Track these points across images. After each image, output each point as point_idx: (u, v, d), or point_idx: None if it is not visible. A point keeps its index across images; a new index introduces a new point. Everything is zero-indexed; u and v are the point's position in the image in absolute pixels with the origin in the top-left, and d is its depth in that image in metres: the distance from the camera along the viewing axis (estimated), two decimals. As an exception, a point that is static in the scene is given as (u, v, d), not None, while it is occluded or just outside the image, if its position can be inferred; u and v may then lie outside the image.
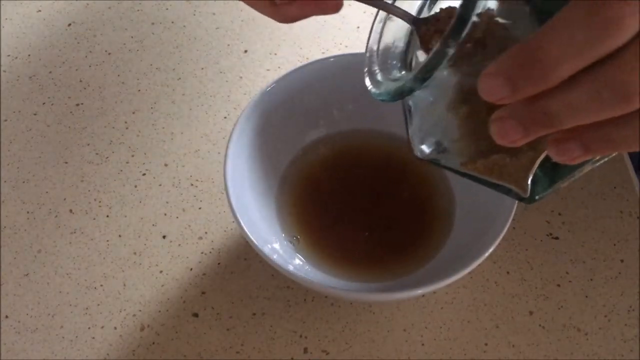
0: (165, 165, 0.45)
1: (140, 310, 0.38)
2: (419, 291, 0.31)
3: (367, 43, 0.30)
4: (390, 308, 0.38)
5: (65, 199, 0.43)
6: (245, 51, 0.51)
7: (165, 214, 0.42)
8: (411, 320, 0.37)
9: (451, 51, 0.23)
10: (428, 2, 0.29)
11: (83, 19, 0.54)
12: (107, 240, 0.41)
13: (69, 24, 0.54)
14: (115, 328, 0.37)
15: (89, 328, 0.37)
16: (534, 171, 0.26)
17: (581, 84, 0.20)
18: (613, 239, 0.40)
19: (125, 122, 0.47)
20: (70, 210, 0.42)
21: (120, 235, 0.41)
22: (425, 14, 0.29)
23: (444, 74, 0.25)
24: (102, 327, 0.37)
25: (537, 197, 0.27)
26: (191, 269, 0.40)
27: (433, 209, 0.39)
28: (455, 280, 0.31)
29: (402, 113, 0.29)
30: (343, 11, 0.58)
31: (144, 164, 0.45)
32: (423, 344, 0.36)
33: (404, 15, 0.28)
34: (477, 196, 0.37)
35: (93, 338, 0.37)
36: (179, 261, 0.40)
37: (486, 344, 0.37)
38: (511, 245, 0.40)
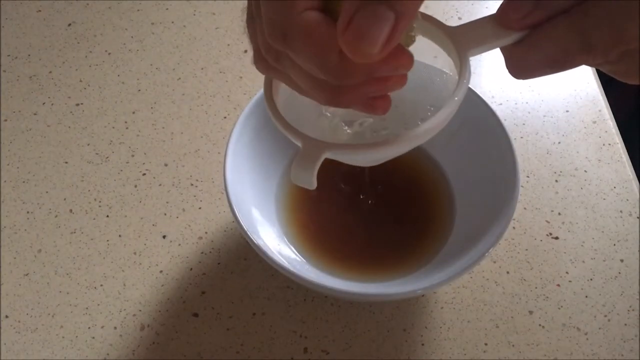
0: (165, 165, 0.45)
1: (140, 310, 0.38)
2: (419, 291, 0.31)
3: None
4: (390, 308, 0.38)
5: (65, 199, 0.43)
6: (245, 51, 0.51)
7: (165, 214, 0.42)
8: (411, 320, 0.37)
9: None
10: None
11: (83, 19, 0.54)
12: (107, 240, 0.41)
13: (69, 24, 0.54)
14: (115, 328, 0.37)
15: (89, 328, 0.37)
16: None
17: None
18: (613, 239, 0.40)
19: (125, 122, 0.47)
20: (70, 210, 0.42)
21: (120, 235, 0.41)
22: None
23: None
24: (102, 327, 0.37)
25: None
26: (191, 269, 0.40)
27: (433, 209, 0.39)
28: (455, 280, 0.31)
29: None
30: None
31: (144, 164, 0.45)
32: (423, 344, 0.36)
33: None
34: (477, 196, 0.37)
35: (93, 338, 0.37)
36: (179, 261, 0.40)
37: (486, 344, 0.37)
38: (511, 245, 0.40)
